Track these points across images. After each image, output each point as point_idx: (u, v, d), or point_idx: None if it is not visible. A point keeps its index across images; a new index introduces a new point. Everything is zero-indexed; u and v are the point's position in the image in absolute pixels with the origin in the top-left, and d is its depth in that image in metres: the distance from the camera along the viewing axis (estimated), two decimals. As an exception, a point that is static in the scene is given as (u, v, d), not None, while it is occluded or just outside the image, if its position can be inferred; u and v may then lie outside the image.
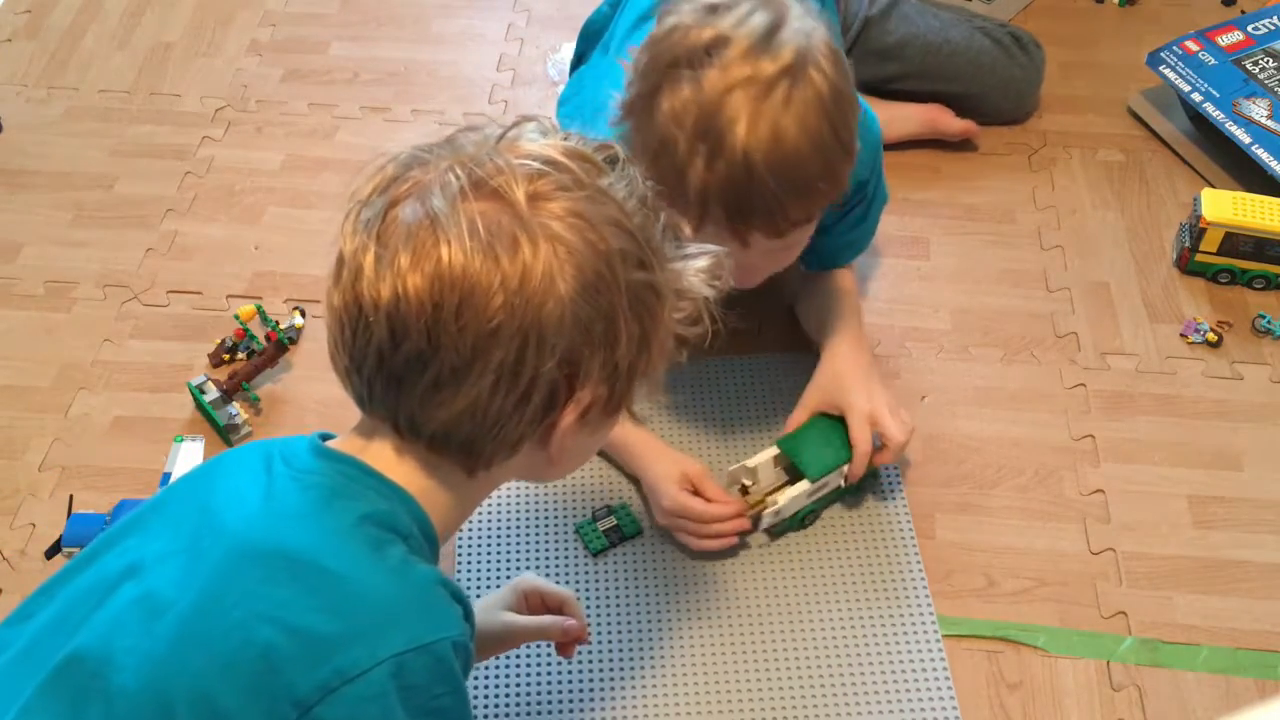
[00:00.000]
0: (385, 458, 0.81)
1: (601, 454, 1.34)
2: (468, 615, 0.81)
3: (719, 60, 1.05)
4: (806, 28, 1.08)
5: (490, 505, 1.32)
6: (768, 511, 1.24)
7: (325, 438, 0.84)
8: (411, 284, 0.73)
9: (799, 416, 1.29)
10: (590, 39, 1.57)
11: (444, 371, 0.75)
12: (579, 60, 1.60)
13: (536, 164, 0.76)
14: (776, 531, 1.28)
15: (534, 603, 1.11)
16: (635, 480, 1.32)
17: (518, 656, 1.19)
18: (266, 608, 0.73)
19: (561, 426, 0.80)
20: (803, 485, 1.24)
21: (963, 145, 1.71)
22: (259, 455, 0.83)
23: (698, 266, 0.85)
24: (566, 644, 1.10)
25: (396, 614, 0.75)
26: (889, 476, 1.34)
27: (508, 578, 1.26)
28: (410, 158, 0.79)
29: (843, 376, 1.28)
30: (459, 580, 1.26)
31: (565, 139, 0.81)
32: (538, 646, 1.20)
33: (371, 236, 0.75)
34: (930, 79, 1.67)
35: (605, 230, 0.77)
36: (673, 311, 0.84)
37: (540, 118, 0.83)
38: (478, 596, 1.24)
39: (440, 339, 0.74)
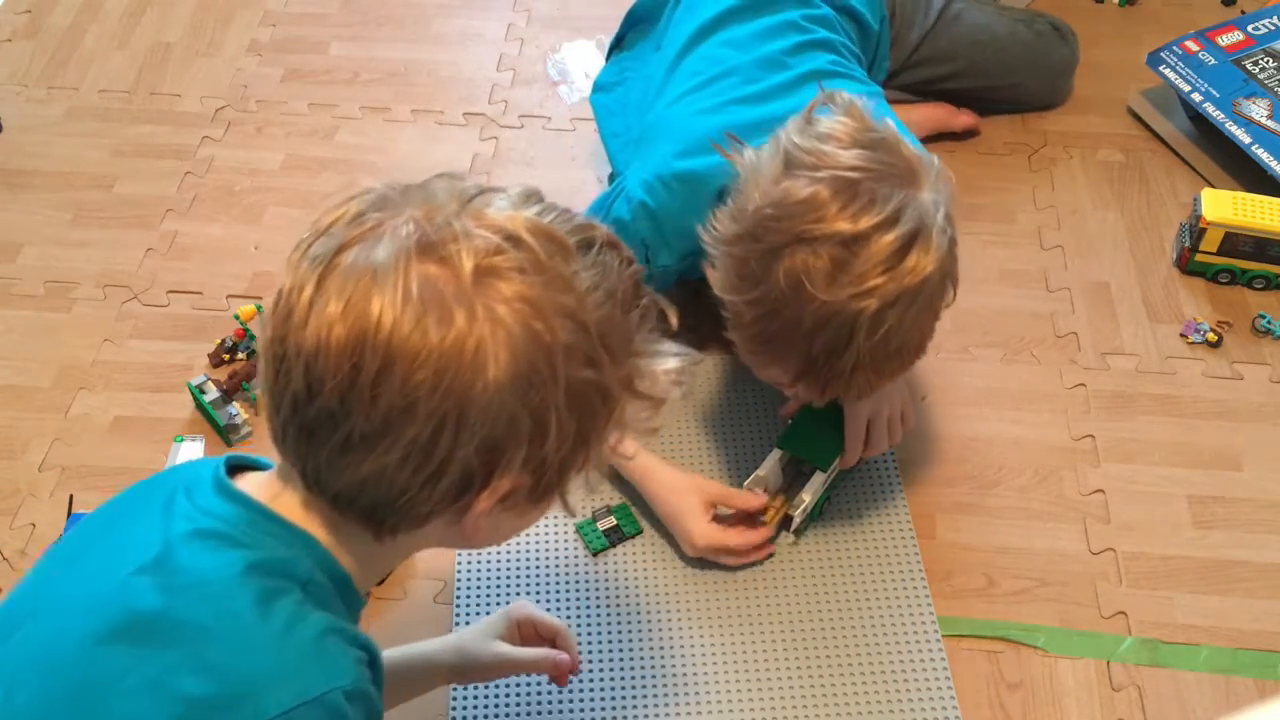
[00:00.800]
0: (294, 506, 0.77)
1: (612, 469, 1.32)
2: (373, 661, 0.78)
3: (856, 261, 1.01)
4: (942, 235, 1.04)
5: (490, 505, 1.31)
6: (798, 511, 1.25)
7: (237, 463, 0.81)
8: (335, 337, 0.69)
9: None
10: (635, 23, 1.57)
11: (354, 435, 0.70)
12: (618, 42, 1.59)
13: (496, 238, 0.71)
14: (803, 530, 1.29)
15: (527, 631, 1.10)
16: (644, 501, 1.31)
17: (518, 656, 1.19)
18: (153, 673, 0.70)
19: (475, 510, 0.75)
20: (818, 477, 1.26)
21: (963, 146, 1.71)
22: (164, 492, 0.79)
23: (667, 368, 0.81)
24: (559, 674, 1.09)
25: (282, 670, 0.71)
26: (889, 477, 1.34)
27: (507, 578, 1.26)
28: (379, 198, 0.74)
29: None
30: (459, 582, 1.26)
31: (540, 213, 0.75)
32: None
33: (314, 275, 0.71)
34: (979, 75, 1.69)
35: (554, 321, 0.71)
36: (626, 409, 0.79)
37: (508, 189, 0.77)
38: (477, 596, 1.24)
39: (353, 404, 0.69)
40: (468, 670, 1.08)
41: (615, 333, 0.76)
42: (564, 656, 1.08)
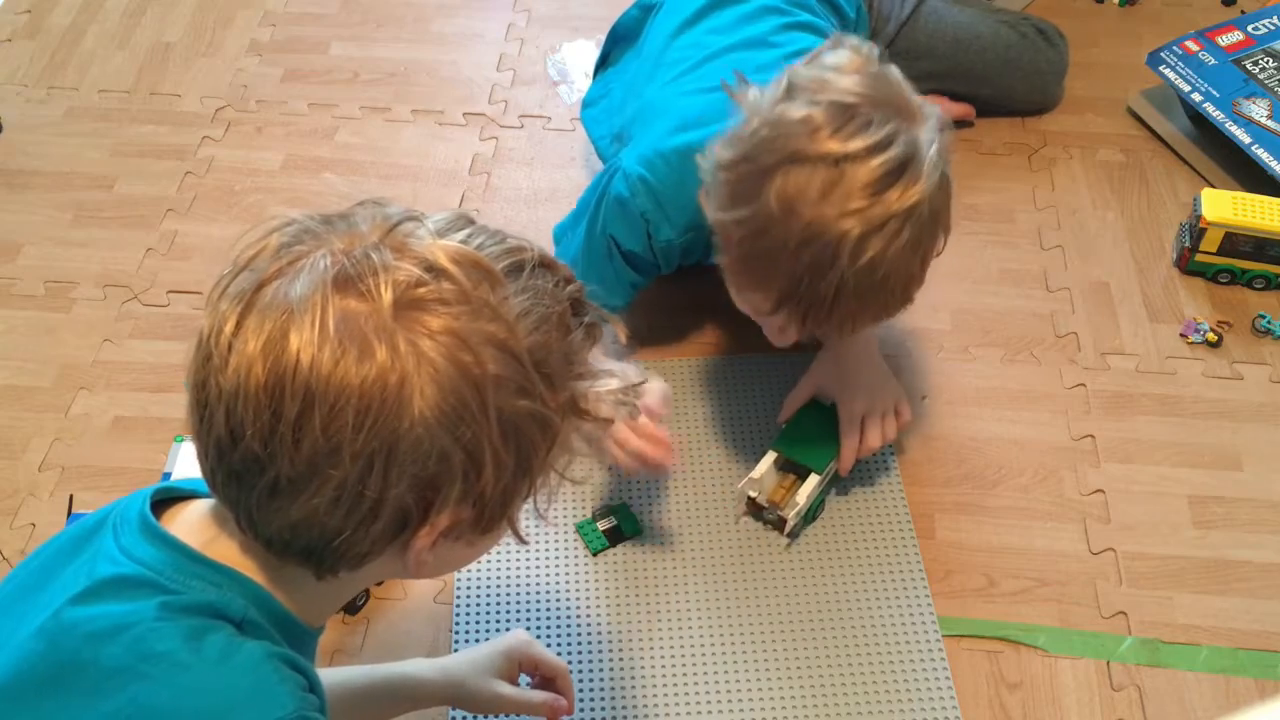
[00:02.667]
0: (230, 549, 0.75)
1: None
2: (313, 686, 0.75)
3: (844, 181, 1.03)
4: (936, 165, 1.05)
5: (490, 505, 1.31)
6: (791, 514, 1.25)
7: (168, 494, 0.78)
8: (254, 378, 0.66)
9: (797, 398, 1.31)
10: (618, 41, 1.58)
11: (280, 480, 0.68)
12: (604, 60, 1.60)
13: (417, 269, 0.68)
14: (796, 533, 1.29)
15: (526, 667, 1.09)
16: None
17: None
18: None
19: (416, 546, 0.72)
20: (812, 479, 1.25)
21: (963, 146, 1.71)
22: (95, 530, 0.77)
23: (610, 388, 0.79)
24: (554, 717, 1.08)
25: (220, 708, 0.69)
26: (889, 477, 1.34)
27: (507, 578, 1.26)
28: (300, 230, 0.71)
29: (841, 365, 1.29)
30: (459, 581, 1.26)
31: (466, 239, 0.72)
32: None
33: (233, 313, 0.68)
34: (963, 77, 1.68)
35: (483, 352, 0.68)
36: (569, 434, 0.77)
37: (435, 215, 0.74)
38: (477, 596, 1.24)
39: (276, 448, 0.67)
40: (462, 703, 1.07)
41: (552, 358, 0.73)
42: (562, 702, 1.07)
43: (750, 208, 1.07)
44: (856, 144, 1.03)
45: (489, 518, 0.74)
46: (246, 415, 0.67)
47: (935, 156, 1.05)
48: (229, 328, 0.68)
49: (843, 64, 1.08)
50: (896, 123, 1.04)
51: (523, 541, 0.80)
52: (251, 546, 0.74)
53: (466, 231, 0.73)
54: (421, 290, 0.68)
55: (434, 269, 0.69)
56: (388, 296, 0.67)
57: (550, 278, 0.75)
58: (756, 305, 1.16)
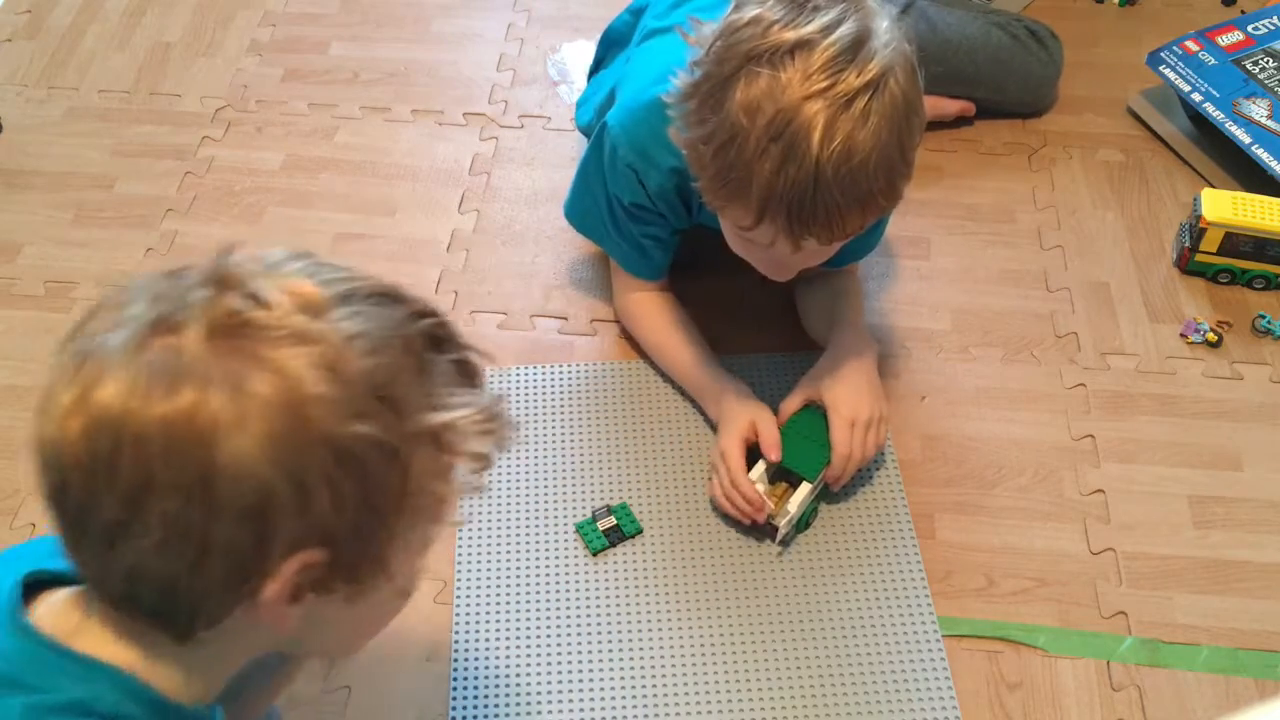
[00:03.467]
0: (96, 632, 0.72)
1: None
2: None
3: (801, 65, 1.03)
4: (891, 40, 1.06)
5: (490, 504, 1.32)
6: (783, 523, 1.24)
7: (37, 580, 0.76)
8: (71, 428, 0.66)
9: (790, 404, 1.31)
10: (610, 46, 1.58)
11: (109, 525, 0.66)
12: (598, 66, 1.60)
13: (237, 300, 0.67)
14: (788, 540, 1.29)
15: None
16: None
17: (514, 656, 1.20)
18: None
19: (265, 597, 0.68)
20: (804, 487, 1.25)
21: (963, 146, 1.71)
22: None
23: (471, 416, 0.73)
24: None
25: None
26: (889, 477, 1.34)
27: (507, 577, 1.26)
28: (145, 283, 0.70)
29: (836, 370, 1.29)
30: (459, 582, 1.26)
31: (299, 271, 0.70)
32: (538, 647, 1.20)
33: (62, 371, 0.68)
34: (951, 78, 1.67)
35: (306, 374, 0.66)
36: (432, 472, 0.72)
37: (259, 254, 0.72)
38: (477, 596, 1.24)
39: (97, 491, 0.66)
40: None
41: (397, 385, 0.69)
42: None
43: (716, 119, 1.07)
44: (807, 29, 1.03)
45: (350, 564, 0.70)
46: (69, 465, 0.67)
47: (888, 33, 1.06)
48: (57, 386, 0.68)
49: None
50: (845, 7, 1.05)
51: (404, 595, 0.77)
52: (115, 620, 0.72)
53: (300, 264, 0.72)
54: (238, 319, 0.67)
55: (253, 297, 0.67)
56: (202, 329, 0.66)
57: (396, 307, 0.72)
58: (739, 220, 1.13)
